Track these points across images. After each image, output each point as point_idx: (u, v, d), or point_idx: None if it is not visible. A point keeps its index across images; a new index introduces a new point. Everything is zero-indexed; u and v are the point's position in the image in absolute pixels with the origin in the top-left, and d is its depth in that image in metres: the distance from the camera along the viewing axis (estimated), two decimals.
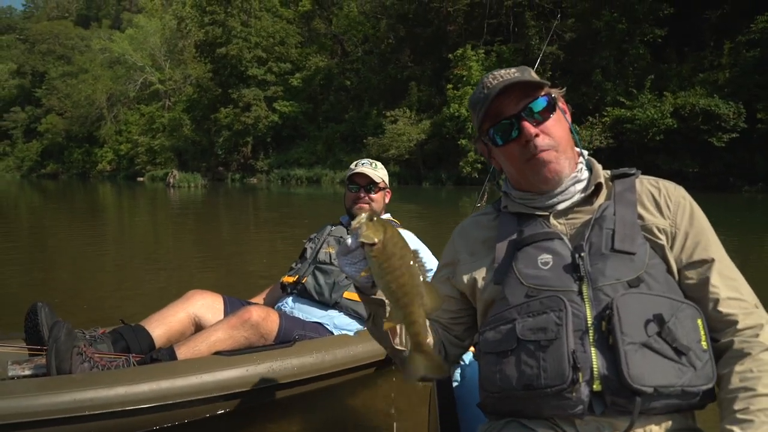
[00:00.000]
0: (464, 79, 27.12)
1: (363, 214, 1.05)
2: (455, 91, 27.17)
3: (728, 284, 1.14)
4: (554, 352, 1.06)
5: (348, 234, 1.12)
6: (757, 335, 1.08)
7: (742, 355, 1.07)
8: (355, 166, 3.04)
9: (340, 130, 34.71)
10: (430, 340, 1.18)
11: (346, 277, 2.73)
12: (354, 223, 1.05)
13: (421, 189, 25.17)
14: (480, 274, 1.28)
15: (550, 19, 27.69)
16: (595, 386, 1.04)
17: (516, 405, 1.14)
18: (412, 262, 1.03)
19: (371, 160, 3.10)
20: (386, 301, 1.14)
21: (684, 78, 22.19)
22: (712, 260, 1.16)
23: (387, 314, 1.16)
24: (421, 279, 1.04)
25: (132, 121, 51.92)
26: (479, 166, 25.82)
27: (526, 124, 1.19)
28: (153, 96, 51.08)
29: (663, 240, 1.17)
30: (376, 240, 1.01)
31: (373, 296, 1.15)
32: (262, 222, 12.45)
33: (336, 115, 36.00)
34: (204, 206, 17.65)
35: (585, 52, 25.32)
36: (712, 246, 1.18)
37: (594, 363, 1.04)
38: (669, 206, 1.21)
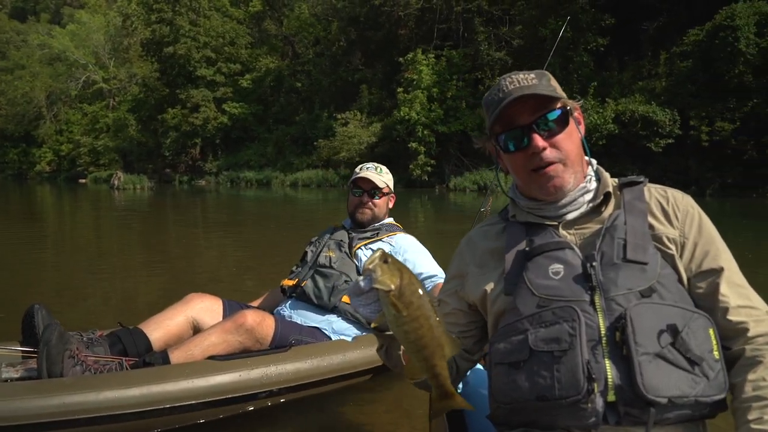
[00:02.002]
0: (414, 82, 27.33)
1: (376, 254, 1.01)
2: (406, 95, 27.31)
3: (738, 292, 1.15)
4: (568, 363, 1.06)
5: (361, 275, 1.07)
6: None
7: (755, 363, 1.07)
8: (360, 170, 2.97)
9: (291, 132, 34.37)
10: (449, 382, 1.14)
11: (345, 281, 2.69)
12: (366, 264, 1.00)
13: None
14: (490, 286, 1.27)
15: (498, 26, 28.31)
16: (609, 397, 1.03)
17: (529, 416, 1.13)
18: (430, 312, 0.99)
19: (376, 164, 3.02)
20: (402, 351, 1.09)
21: (624, 85, 23.04)
22: (722, 269, 1.16)
23: (404, 361, 1.12)
24: (442, 329, 1.00)
25: (74, 121, 49.86)
26: (429, 168, 26.09)
27: (536, 137, 1.19)
28: (96, 95, 49.21)
29: (673, 250, 1.18)
30: (392, 286, 0.96)
31: (388, 332, 1.12)
32: (211, 224, 12.18)
33: (286, 117, 35.65)
34: (151, 209, 17.18)
35: (532, 59, 25.89)
36: (722, 255, 1.18)
37: (608, 373, 1.04)
38: (677, 215, 1.21)
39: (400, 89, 27.78)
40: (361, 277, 1.04)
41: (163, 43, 37.87)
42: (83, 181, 43.06)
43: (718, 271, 1.16)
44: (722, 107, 20.35)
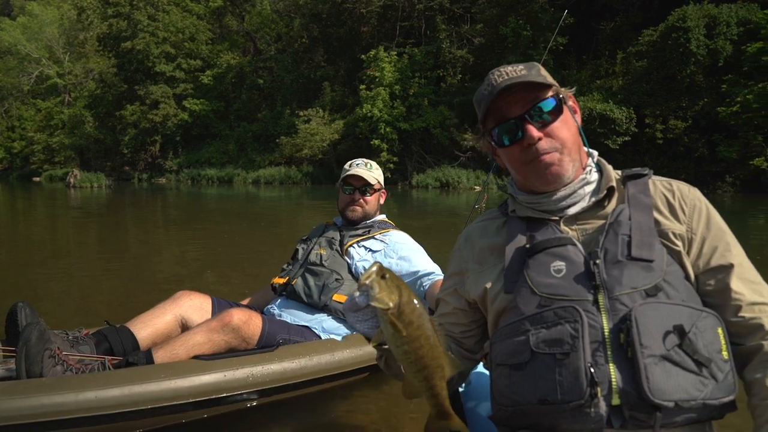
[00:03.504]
0: (377, 80, 27.32)
1: (372, 269, 0.95)
2: (368, 92, 27.29)
3: (751, 288, 1.10)
4: (570, 366, 1.02)
5: (357, 289, 1.00)
6: None
7: None
8: (350, 166, 2.91)
9: (253, 129, 33.98)
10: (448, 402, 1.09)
11: (336, 280, 2.65)
12: (363, 279, 0.94)
13: (334, 189, 24.86)
14: (489, 283, 1.23)
15: (460, 24, 28.50)
16: (614, 400, 1.00)
17: (531, 419, 1.10)
18: (431, 331, 0.95)
19: (366, 160, 2.96)
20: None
21: (583, 84, 23.46)
22: (732, 265, 1.11)
23: (403, 380, 1.07)
24: (442, 349, 0.97)
25: (27, 117, 48.22)
26: (392, 166, 26.09)
27: (530, 128, 1.16)
28: (51, 90, 47.60)
29: (680, 246, 1.13)
30: (390, 304, 0.92)
31: (385, 346, 1.08)
32: (171, 223, 11.89)
33: (248, 114, 35.23)
34: (108, 207, 16.65)
35: (493, 57, 26.19)
36: (732, 250, 1.14)
37: (612, 377, 1.00)
38: (684, 209, 1.16)
39: (362, 86, 27.74)
40: (357, 292, 0.98)
41: (120, 37, 36.93)
42: (37, 179, 41.71)
43: (728, 268, 1.11)
44: (675, 106, 20.96)
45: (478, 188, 23.87)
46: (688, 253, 1.14)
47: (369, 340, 1.08)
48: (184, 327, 2.50)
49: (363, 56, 28.48)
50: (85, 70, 44.63)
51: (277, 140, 30.36)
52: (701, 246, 1.14)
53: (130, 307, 4.06)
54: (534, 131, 1.16)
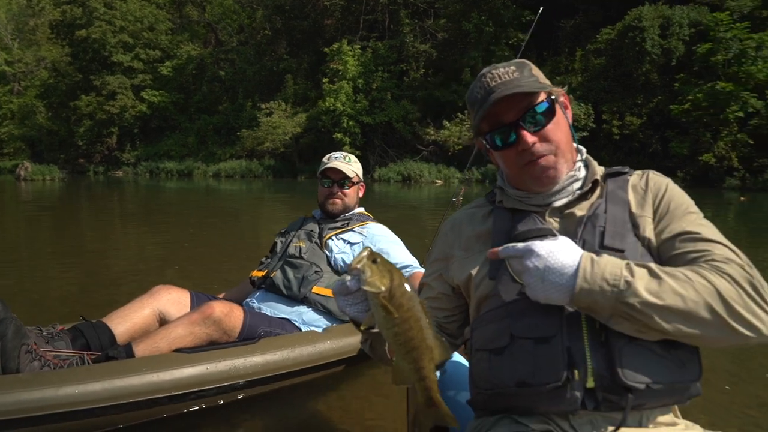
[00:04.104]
0: (340, 73, 27.21)
1: (363, 253, 0.96)
2: (331, 85, 27.16)
3: (708, 246, 1.10)
4: (549, 350, 1.05)
5: (346, 272, 1.04)
6: (725, 262, 1.04)
7: (698, 265, 1.05)
8: (328, 160, 2.92)
9: (214, 122, 33.45)
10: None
11: (315, 272, 2.66)
12: (353, 263, 0.96)
13: (296, 182, 24.87)
14: (474, 270, 1.25)
15: (423, 19, 28.63)
16: (588, 383, 1.03)
17: (509, 402, 1.12)
18: (421, 314, 0.97)
19: (344, 154, 2.98)
20: (388, 346, 1.05)
21: None
22: (689, 232, 1.13)
23: (389, 355, 1.07)
24: (432, 331, 0.99)
25: None
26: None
27: (525, 133, 1.17)
28: None
29: (650, 234, 1.17)
30: (382, 288, 0.93)
31: (374, 330, 1.07)
32: (130, 217, 11.55)
33: (209, 107, 34.67)
34: (62, 201, 16.04)
35: (456, 52, 26.46)
36: (691, 220, 1.15)
37: (588, 361, 1.03)
38: (654, 198, 1.21)
39: (325, 80, 27.58)
40: (348, 277, 1.00)
41: (75, 25, 35.86)
42: None
43: (685, 234, 1.13)
44: (631, 103, 21.58)
45: (439, 182, 24.06)
46: (657, 236, 1.17)
47: (357, 325, 1.10)
48: (162, 321, 2.48)
49: (326, 49, 28.33)
50: (37, 58, 43.07)
51: (239, 133, 29.99)
52: (665, 224, 1.18)
53: (87, 303, 3.97)
54: (528, 136, 1.18)
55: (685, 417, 1.14)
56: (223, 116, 33.15)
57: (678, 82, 20.68)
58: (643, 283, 0.98)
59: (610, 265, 1.00)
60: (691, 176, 19.99)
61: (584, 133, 21.37)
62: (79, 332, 2.29)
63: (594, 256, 1.03)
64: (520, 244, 1.05)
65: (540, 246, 1.02)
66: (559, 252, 1.02)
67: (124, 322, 2.38)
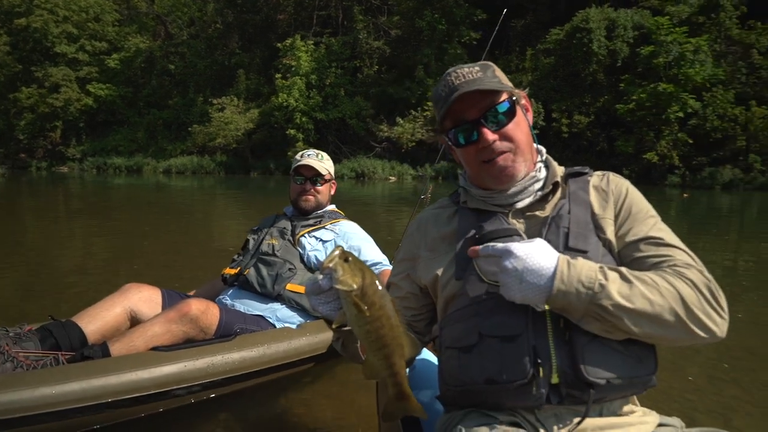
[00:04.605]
0: (293, 69, 26.95)
1: (335, 252, 0.98)
2: (284, 81, 26.90)
3: (665, 250, 1.16)
4: (516, 348, 1.09)
5: (319, 271, 1.05)
6: (686, 267, 1.10)
7: (662, 270, 1.11)
8: (300, 157, 2.93)
9: (163, 116, 32.57)
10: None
11: (289, 269, 2.68)
12: (326, 262, 0.98)
13: (249, 179, 24.53)
14: (441, 270, 1.28)
15: (377, 15, 28.61)
16: (553, 379, 1.07)
17: (478, 398, 1.16)
18: (392, 312, 0.99)
19: (317, 151, 3.00)
20: (360, 343, 1.08)
21: None
22: (650, 236, 1.17)
23: (361, 354, 1.11)
24: (402, 329, 1.01)
25: None
26: None
27: (485, 131, 1.21)
28: None
29: (611, 236, 1.20)
30: (354, 286, 0.95)
31: (346, 328, 1.11)
32: (75, 214, 11.07)
33: (159, 101, 33.68)
34: (1, 197, 15.32)
35: (409, 49, 26.58)
36: (649, 224, 1.20)
37: (553, 358, 1.07)
38: (614, 201, 1.25)
39: (278, 75, 27.29)
40: (320, 275, 1.02)
41: (13, 13, 34.28)
42: None
43: (648, 238, 1.18)
44: (579, 102, 22.18)
45: (393, 179, 24.14)
46: (617, 238, 1.22)
47: (329, 323, 1.12)
48: (134, 320, 2.46)
49: (279, 44, 28.01)
50: None
51: (190, 129, 29.33)
52: (623, 227, 1.23)
53: (35, 303, 3.85)
54: (489, 134, 1.21)
55: (642, 405, 1.19)
56: (174, 111, 32.31)
57: (623, 83, 21.36)
58: (615, 287, 1.03)
59: (586, 269, 1.05)
60: (635, 174, 20.69)
61: (535, 132, 21.68)
62: (48, 332, 2.24)
63: (570, 258, 1.07)
64: (499, 245, 1.07)
65: (518, 248, 1.04)
66: (537, 254, 1.05)
67: (94, 321, 2.35)
